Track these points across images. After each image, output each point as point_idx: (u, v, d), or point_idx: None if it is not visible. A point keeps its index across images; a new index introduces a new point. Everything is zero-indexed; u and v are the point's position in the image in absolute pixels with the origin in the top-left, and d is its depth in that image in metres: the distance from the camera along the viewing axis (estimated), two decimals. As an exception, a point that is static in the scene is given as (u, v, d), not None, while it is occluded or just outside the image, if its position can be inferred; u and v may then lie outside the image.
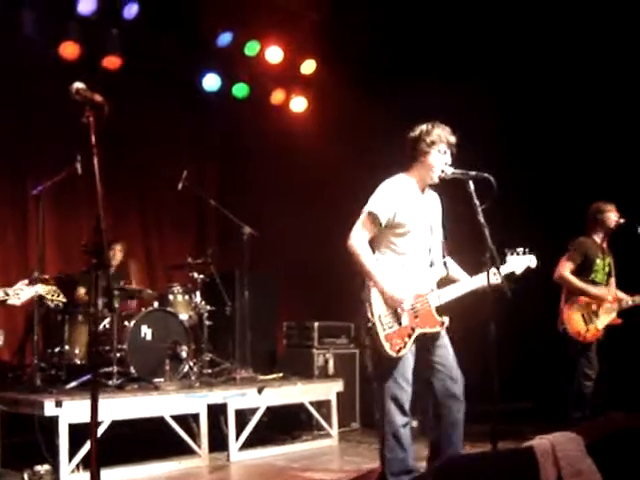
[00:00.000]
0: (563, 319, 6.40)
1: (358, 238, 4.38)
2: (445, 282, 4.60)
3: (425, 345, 4.44)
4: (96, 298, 2.46)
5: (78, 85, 2.71)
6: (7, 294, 3.26)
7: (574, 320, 6.35)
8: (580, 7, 7.65)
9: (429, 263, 4.53)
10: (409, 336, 4.31)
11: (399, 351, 4.28)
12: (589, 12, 7.67)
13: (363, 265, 4.33)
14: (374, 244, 4.48)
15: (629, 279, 6.63)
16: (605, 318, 6.38)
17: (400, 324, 4.30)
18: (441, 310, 4.47)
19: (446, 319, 4.45)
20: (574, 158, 8.35)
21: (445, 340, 4.51)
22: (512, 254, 4.67)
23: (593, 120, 8.19)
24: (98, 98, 2.65)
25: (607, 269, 6.50)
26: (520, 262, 4.66)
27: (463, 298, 4.59)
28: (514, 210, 7.51)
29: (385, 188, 4.47)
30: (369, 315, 4.27)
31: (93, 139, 2.57)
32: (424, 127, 4.50)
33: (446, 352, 4.48)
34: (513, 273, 4.66)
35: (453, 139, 4.49)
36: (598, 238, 6.51)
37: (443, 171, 4.43)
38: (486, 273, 4.23)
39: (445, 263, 4.61)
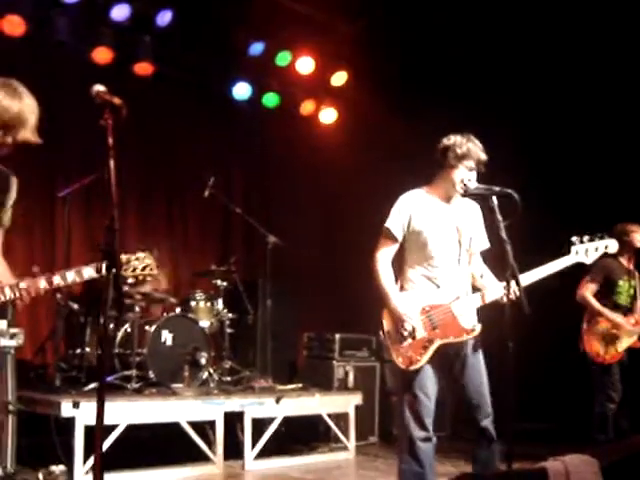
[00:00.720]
0: (583, 339, 6.33)
1: (378, 256, 4.40)
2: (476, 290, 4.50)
3: (450, 362, 4.34)
4: (107, 301, 2.46)
5: (98, 87, 2.73)
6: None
7: (594, 341, 6.28)
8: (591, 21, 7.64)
9: (459, 271, 4.44)
10: (425, 348, 4.23)
11: (411, 364, 4.22)
12: (600, 28, 7.66)
13: (379, 282, 4.35)
14: (402, 259, 4.45)
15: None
16: (626, 341, 6.29)
17: (414, 337, 4.24)
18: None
19: (477, 326, 4.33)
20: (599, 173, 8.30)
21: (475, 360, 4.36)
22: (581, 242, 4.46)
23: (614, 133, 8.14)
24: (117, 101, 2.66)
25: (632, 291, 6.41)
26: (591, 250, 4.46)
27: (482, 315, 4.54)
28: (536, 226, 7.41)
29: (398, 203, 4.46)
30: (380, 332, 4.32)
31: (110, 141, 2.59)
32: (458, 138, 4.41)
33: (474, 373, 4.34)
34: (583, 264, 4.50)
35: (484, 157, 4.41)
36: (624, 259, 6.42)
37: (466, 185, 4.38)
38: (506, 288, 4.17)
39: (481, 273, 4.53)
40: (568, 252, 4.45)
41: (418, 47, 8.73)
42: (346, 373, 7.94)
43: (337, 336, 8.04)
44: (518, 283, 4.16)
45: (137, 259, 3.06)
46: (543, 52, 8.16)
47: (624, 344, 6.28)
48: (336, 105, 9.87)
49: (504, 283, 4.09)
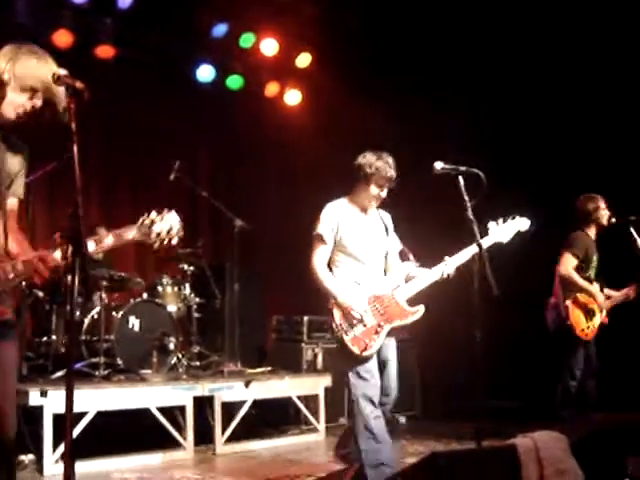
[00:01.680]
0: (567, 316, 6.26)
1: (315, 261, 4.67)
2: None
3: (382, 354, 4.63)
4: (72, 286, 2.42)
5: (59, 71, 2.67)
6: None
7: (578, 317, 6.26)
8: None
9: (385, 269, 4.82)
10: (377, 333, 4.51)
11: (364, 349, 4.46)
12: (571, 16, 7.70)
13: (321, 282, 4.61)
14: (331, 262, 4.75)
15: (613, 275, 6.60)
16: (599, 315, 6.34)
17: (365, 326, 4.49)
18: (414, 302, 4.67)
19: (420, 307, 4.63)
20: (560, 153, 8.37)
21: (392, 350, 4.71)
22: (496, 224, 4.80)
23: (576, 118, 8.21)
24: (79, 85, 2.60)
25: (598, 265, 6.46)
26: (506, 229, 4.81)
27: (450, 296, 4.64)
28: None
29: (325, 211, 4.78)
30: (334, 326, 4.51)
31: (73, 126, 2.54)
32: (369, 157, 4.72)
33: (390, 369, 4.69)
34: (500, 243, 4.78)
35: (393, 175, 4.69)
36: (592, 234, 6.46)
37: (434, 167, 4.45)
38: (478, 268, 4.31)
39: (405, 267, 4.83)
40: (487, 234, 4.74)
41: (381, 28, 8.69)
42: (315, 355, 7.96)
43: (305, 318, 8.05)
44: (484, 262, 4.25)
45: (162, 220, 2.95)
46: (504, 33, 8.16)
47: (599, 319, 6.33)
48: (301, 87, 9.83)
49: (437, 266, 4.63)
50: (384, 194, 4.74)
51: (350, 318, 4.47)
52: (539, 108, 8.38)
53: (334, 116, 9.20)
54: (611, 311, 6.46)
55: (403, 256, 4.93)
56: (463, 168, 4.42)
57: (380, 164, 4.65)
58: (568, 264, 6.30)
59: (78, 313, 6.65)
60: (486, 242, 4.65)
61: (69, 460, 2.35)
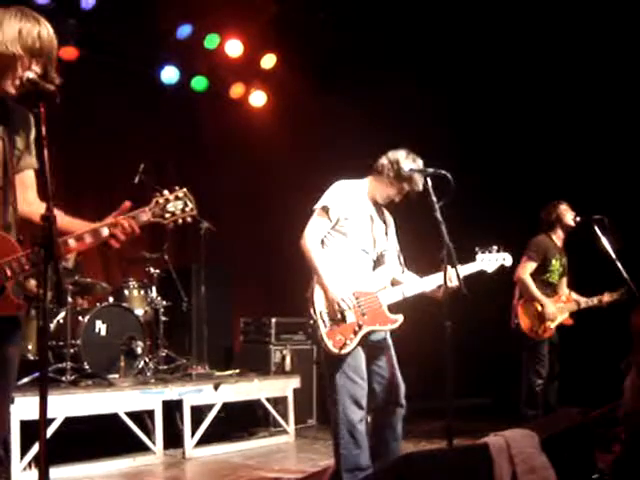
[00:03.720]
0: (517, 314, 6.41)
1: (311, 236, 4.42)
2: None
3: (370, 349, 4.43)
4: (45, 292, 2.38)
5: (28, 74, 2.63)
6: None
7: (527, 317, 6.36)
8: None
9: (377, 264, 4.62)
10: (355, 333, 4.29)
11: (342, 348, 4.25)
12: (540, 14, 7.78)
13: (312, 261, 4.36)
14: (322, 241, 4.50)
15: (584, 278, 6.68)
16: (559, 317, 6.42)
17: (345, 321, 4.28)
18: (395, 309, 4.49)
19: (399, 317, 4.46)
20: (524, 158, 8.47)
21: (389, 345, 4.53)
22: (483, 252, 4.78)
23: (540, 118, 8.31)
24: (50, 88, 2.57)
25: (561, 269, 6.55)
26: (492, 260, 4.77)
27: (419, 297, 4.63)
28: (466, 211, 7.51)
29: (337, 186, 4.54)
30: (311, 312, 4.28)
31: (44, 130, 2.50)
32: (408, 164, 4.50)
33: (388, 360, 4.50)
34: (484, 272, 4.76)
35: (419, 190, 4.53)
36: (557, 238, 6.55)
37: (401, 169, 4.46)
38: (443, 271, 4.27)
39: (401, 269, 4.70)
40: (474, 259, 4.78)
41: (346, 28, 8.71)
42: (283, 357, 7.94)
43: (273, 320, 8.04)
44: (453, 263, 4.28)
45: (176, 198, 2.91)
46: (478, 26, 8.21)
47: (556, 320, 6.40)
48: (265, 88, 9.81)
49: (430, 276, 4.49)
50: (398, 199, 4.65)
51: (333, 309, 4.25)
52: (515, 101, 8.45)
53: (299, 117, 9.21)
54: (577, 314, 6.54)
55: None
56: (431, 170, 4.44)
57: (417, 178, 4.49)
58: (523, 269, 6.41)
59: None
60: (472, 268, 4.67)
61: (44, 467, 2.32)
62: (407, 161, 4.50)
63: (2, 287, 2.61)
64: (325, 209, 4.43)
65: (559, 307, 6.42)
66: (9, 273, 2.61)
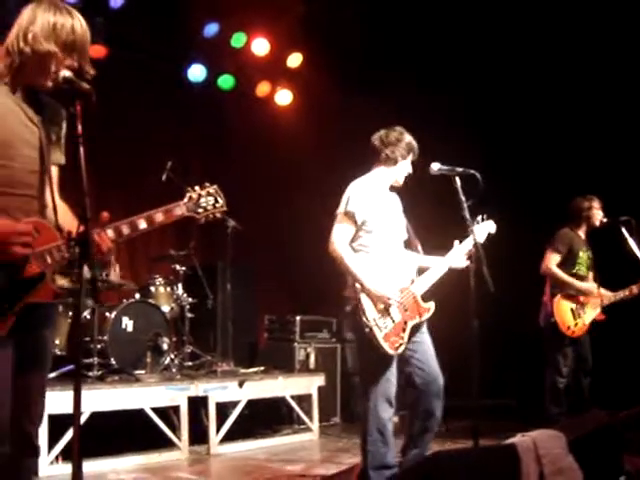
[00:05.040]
0: (552, 312, 6.29)
1: (339, 241, 4.39)
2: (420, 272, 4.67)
3: (409, 342, 4.43)
4: (81, 288, 2.41)
5: (64, 73, 2.66)
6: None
7: (564, 314, 6.29)
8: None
9: (403, 257, 4.59)
10: (403, 330, 4.34)
11: (398, 348, 4.31)
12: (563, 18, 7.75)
13: (348, 267, 4.32)
14: (353, 246, 4.47)
15: (609, 276, 6.64)
16: (592, 313, 6.37)
17: (394, 320, 4.31)
18: (425, 297, 4.53)
19: (432, 304, 4.50)
20: (542, 155, 8.42)
21: (425, 336, 4.53)
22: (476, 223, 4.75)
23: (569, 117, 8.25)
24: (86, 87, 2.60)
25: (589, 261, 6.49)
26: (482, 230, 4.78)
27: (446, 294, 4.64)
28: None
29: (356, 187, 4.51)
30: (364, 320, 4.22)
31: (80, 129, 2.53)
32: (402, 134, 4.61)
33: (426, 348, 4.50)
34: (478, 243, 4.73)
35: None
36: (582, 232, 6.51)
37: (430, 167, 4.47)
38: (475, 266, 4.32)
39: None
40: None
41: (374, 27, 8.72)
42: (307, 355, 7.97)
43: (297, 318, 8.06)
44: (482, 262, 4.28)
45: (209, 194, 2.96)
46: (497, 36, 8.21)
47: (590, 316, 6.35)
48: (292, 87, 9.85)
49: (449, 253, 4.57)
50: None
51: (384, 313, 4.25)
52: (537, 107, 8.41)
53: (325, 116, 9.22)
54: (610, 308, 6.47)
55: (411, 246, 4.76)
56: (460, 169, 4.45)
57: (412, 139, 4.60)
58: (549, 260, 6.37)
59: (70, 313, 6.65)
60: (470, 241, 4.62)
61: (78, 461, 2.35)
62: (405, 134, 4.62)
63: (42, 274, 2.67)
64: (349, 213, 4.40)
65: (593, 302, 6.37)
66: (49, 260, 2.67)
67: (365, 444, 4.38)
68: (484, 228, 4.79)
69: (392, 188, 4.70)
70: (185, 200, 2.90)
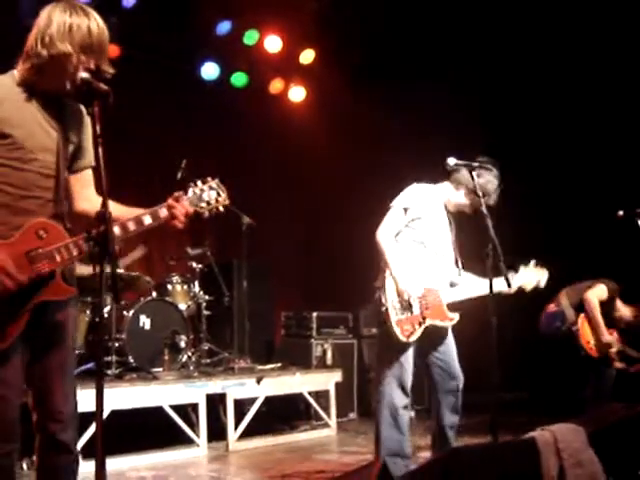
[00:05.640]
0: (577, 323, 6.43)
1: (386, 230, 4.57)
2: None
3: (431, 339, 4.56)
4: (101, 287, 2.44)
5: (82, 75, 2.68)
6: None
7: (586, 331, 6.42)
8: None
9: (447, 265, 4.71)
10: (420, 324, 4.45)
11: (409, 336, 4.42)
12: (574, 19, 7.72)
13: (385, 254, 4.50)
14: (396, 239, 4.63)
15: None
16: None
17: (412, 312, 4.43)
18: (451, 308, 4.61)
19: (456, 315, 4.59)
20: (557, 156, 8.39)
21: (450, 338, 4.66)
22: (525, 266, 4.78)
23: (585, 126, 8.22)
24: (103, 87, 2.62)
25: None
26: (531, 277, 4.76)
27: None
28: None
29: (417, 188, 4.70)
30: (382, 300, 4.42)
31: (98, 129, 2.55)
32: (491, 183, 4.60)
33: (449, 349, 4.64)
34: (523, 289, 4.76)
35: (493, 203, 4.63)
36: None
37: (447, 162, 4.46)
38: (487, 260, 4.29)
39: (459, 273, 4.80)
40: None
41: (386, 24, 8.71)
42: (324, 351, 7.98)
43: (314, 314, 8.08)
44: (499, 259, 4.27)
45: (211, 188, 2.99)
46: (512, 28, 8.17)
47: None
48: (305, 83, 9.85)
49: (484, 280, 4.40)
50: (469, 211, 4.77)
51: (403, 300, 4.40)
52: (546, 102, 8.38)
53: (338, 112, 9.23)
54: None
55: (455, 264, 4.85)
56: (477, 163, 4.44)
57: (495, 198, 4.63)
58: (597, 292, 6.40)
59: (87, 312, 6.68)
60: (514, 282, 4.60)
61: (101, 459, 2.37)
62: (493, 187, 4.61)
63: (52, 272, 2.71)
64: (403, 208, 4.59)
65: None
66: (58, 259, 2.71)
67: (379, 432, 4.48)
68: (534, 275, 4.78)
69: (454, 211, 4.84)
70: (188, 195, 2.92)
